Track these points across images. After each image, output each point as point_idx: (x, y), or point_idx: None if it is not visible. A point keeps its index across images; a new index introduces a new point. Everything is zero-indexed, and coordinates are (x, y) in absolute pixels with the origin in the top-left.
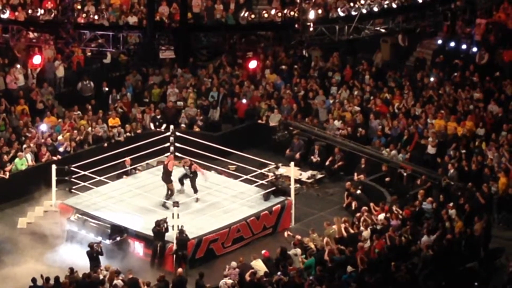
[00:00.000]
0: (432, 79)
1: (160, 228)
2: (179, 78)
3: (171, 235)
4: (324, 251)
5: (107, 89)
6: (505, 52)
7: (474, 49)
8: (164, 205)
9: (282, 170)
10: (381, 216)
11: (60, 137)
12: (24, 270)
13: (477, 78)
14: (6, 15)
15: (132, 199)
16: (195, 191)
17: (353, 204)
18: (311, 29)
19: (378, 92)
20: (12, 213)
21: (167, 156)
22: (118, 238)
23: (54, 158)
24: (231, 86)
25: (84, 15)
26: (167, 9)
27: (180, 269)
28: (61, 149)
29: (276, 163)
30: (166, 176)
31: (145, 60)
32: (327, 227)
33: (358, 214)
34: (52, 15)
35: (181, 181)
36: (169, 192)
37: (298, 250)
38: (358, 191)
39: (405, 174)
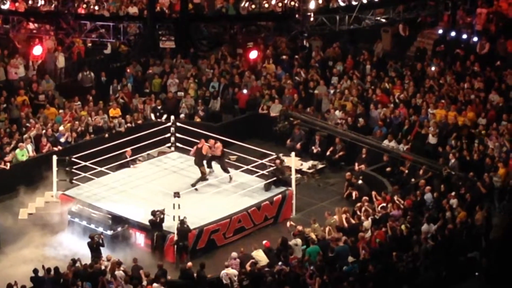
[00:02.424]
0: (433, 68)
1: (155, 218)
2: (180, 68)
3: (172, 225)
4: (326, 241)
5: (105, 79)
6: (509, 42)
7: (475, 39)
8: (195, 188)
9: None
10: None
11: (61, 128)
12: (25, 260)
13: (478, 67)
14: (7, 6)
15: (133, 189)
16: (227, 171)
17: (353, 194)
18: (312, 19)
19: (378, 82)
20: (13, 204)
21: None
22: (119, 229)
23: (55, 149)
24: (232, 77)
25: (84, 5)
26: None
27: (190, 263)
28: (62, 140)
29: (277, 153)
30: (199, 160)
31: (145, 50)
32: (328, 217)
33: (358, 204)
34: (53, 5)
35: (209, 164)
36: (202, 175)
37: (299, 240)
38: (359, 181)
39: (406, 171)
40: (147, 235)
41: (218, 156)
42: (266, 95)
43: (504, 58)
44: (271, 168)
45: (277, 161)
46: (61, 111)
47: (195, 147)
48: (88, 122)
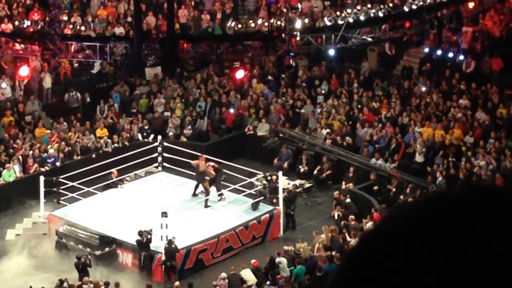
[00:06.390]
0: (423, 88)
1: (142, 238)
2: (167, 88)
3: (160, 245)
4: (313, 260)
5: (89, 99)
6: (493, 60)
7: (461, 57)
8: (206, 205)
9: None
10: (369, 224)
11: (51, 151)
12: (12, 281)
13: (464, 86)
14: None
15: (120, 209)
16: (218, 189)
17: (336, 214)
18: (298, 38)
19: (365, 100)
20: (0, 225)
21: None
22: (107, 249)
23: (42, 169)
24: (219, 96)
25: (70, 26)
26: (154, 19)
27: (177, 283)
28: (50, 160)
29: (264, 172)
30: (199, 176)
31: (132, 70)
32: (316, 236)
33: (343, 222)
34: (39, 26)
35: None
36: (206, 192)
37: (283, 259)
38: (348, 199)
39: (393, 189)
40: (135, 255)
41: (214, 176)
42: (252, 114)
43: (489, 76)
44: (267, 184)
45: (273, 177)
46: (47, 131)
47: (195, 161)
48: (78, 142)
